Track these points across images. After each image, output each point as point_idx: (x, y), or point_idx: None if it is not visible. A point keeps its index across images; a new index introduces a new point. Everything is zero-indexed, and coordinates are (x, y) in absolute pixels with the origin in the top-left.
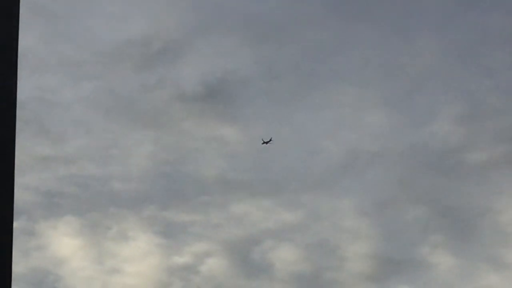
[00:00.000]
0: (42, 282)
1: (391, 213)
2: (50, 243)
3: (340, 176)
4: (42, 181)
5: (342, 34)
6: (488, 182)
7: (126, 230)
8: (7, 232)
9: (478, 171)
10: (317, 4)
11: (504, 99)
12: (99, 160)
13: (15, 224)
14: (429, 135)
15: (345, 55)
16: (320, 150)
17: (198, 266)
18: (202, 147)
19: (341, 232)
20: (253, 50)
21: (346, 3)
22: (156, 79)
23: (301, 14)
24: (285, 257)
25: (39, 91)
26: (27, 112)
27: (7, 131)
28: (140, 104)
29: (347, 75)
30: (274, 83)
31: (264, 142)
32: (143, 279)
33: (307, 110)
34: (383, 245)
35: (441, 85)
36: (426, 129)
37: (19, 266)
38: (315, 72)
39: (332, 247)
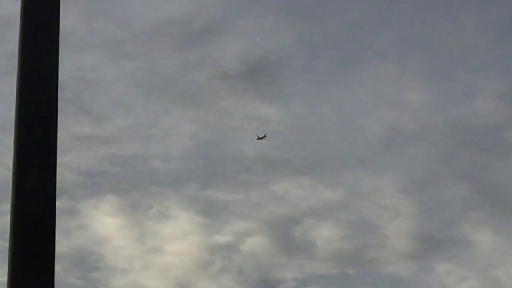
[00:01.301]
0: (83, 261)
1: (431, 191)
2: (91, 222)
3: (381, 154)
4: (83, 161)
5: (382, 11)
6: None
7: (167, 209)
8: (50, 211)
9: None
10: None
11: None
12: (139, 140)
13: (56, 204)
14: (470, 113)
15: (385, 32)
16: (360, 128)
17: (239, 245)
18: (242, 126)
19: (381, 210)
20: (294, 29)
21: None
22: (197, 58)
23: None
24: (326, 235)
25: (80, 71)
26: (68, 92)
27: (50, 107)
28: (181, 83)
29: (387, 52)
30: (314, 61)
31: (259, 138)
32: (184, 258)
33: (347, 88)
34: (423, 223)
35: (482, 62)
36: (467, 107)
37: (61, 245)
38: (355, 50)
39: (373, 225)
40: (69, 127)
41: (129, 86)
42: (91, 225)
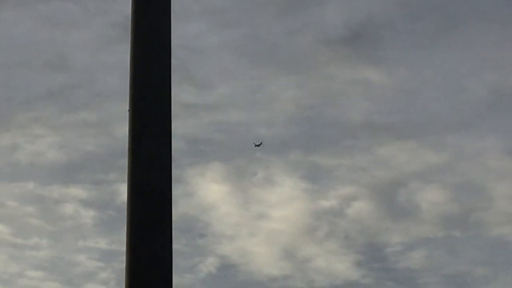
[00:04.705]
0: (190, 228)
1: None
2: (197, 190)
3: (485, 116)
4: (189, 129)
5: None
6: None
7: (272, 175)
8: (166, 178)
9: None
10: None
11: None
12: (244, 106)
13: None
14: None
15: None
16: (464, 90)
17: (344, 209)
18: (346, 91)
19: (487, 172)
20: None
21: None
22: (300, 24)
23: None
24: (431, 198)
25: (184, 38)
26: (173, 60)
27: (163, 75)
28: (285, 49)
29: (490, 13)
30: (417, 24)
31: (256, 145)
32: (290, 223)
33: (451, 51)
34: None
35: None
36: None
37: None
38: (458, 12)
39: (479, 188)
40: (174, 95)
41: (232, 53)
42: (197, 192)
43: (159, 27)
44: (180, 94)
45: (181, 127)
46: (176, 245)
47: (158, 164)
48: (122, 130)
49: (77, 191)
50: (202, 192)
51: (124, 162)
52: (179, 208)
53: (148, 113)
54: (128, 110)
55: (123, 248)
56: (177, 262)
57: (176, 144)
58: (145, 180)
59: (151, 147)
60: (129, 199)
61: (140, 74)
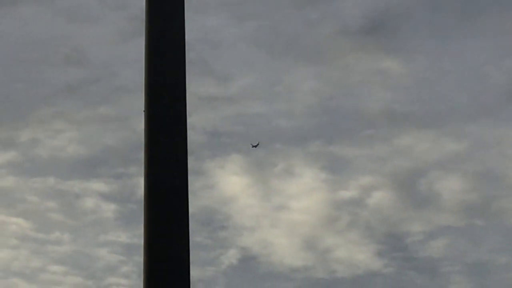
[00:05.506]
0: (211, 220)
1: None
2: (218, 182)
3: (505, 104)
4: (208, 121)
5: None
6: None
7: (292, 167)
8: (182, 176)
9: None
10: None
11: None
12: (263, 98)
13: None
14: None
15: None
16: (483, 78)
17: (364, 199)
18: (366, 81)
19: (508, 161)
20: None
21: None
22: (319, 15)
23: None
24: (452, 187)
25: (203, 32)
26: (192, 53)
27: (178, 74)
28: (303, 41)
29: (509, 0)
30: (435, 13)
31: (253, 146)
32: (310, 214)
33: (469, 39)
34: None
35: None
36: None
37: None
38: (476, 0)
39: (499, 176)
40: (193, 88)
41: (251, 45)
42: (217, 184)
43: (172, 23)
44: (199, 87)
45: (200, 120)
46: (197, 238)
47: (174, 163)
48: (141, 124)
49: (97, 185)
50: (222, 185)
51: (138, 156)
52: (200, 201)
53: (164, 110)
54: (144, 111)
55: None
56: (199, 254)
57: (196, 137)
58: (161, 179)
59: (167, 144)
60: (146, 197)
61: (154, 74)
